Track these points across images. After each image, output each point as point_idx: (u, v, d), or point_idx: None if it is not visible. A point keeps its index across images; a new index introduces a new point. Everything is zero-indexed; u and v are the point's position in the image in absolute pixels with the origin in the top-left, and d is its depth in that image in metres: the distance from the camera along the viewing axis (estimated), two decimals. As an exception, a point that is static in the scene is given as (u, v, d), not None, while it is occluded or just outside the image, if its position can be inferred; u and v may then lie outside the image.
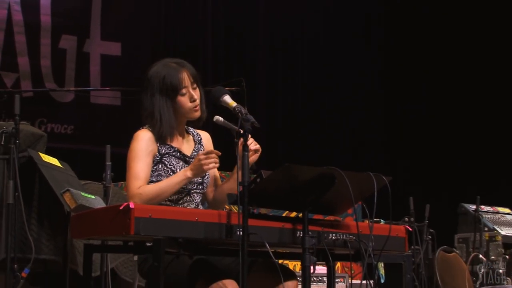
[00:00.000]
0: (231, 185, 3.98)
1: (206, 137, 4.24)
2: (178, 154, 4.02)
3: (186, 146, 4.10)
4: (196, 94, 4.03)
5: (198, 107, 4.03)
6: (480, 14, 9.70)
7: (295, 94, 9.64)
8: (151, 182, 3.94)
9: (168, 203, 3.94)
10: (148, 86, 4.02)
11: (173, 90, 3.99)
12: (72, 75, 8.11)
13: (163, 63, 4.08)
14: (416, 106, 9.86)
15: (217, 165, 3.86)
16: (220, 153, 3.86)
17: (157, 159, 3.97)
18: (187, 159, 4.02)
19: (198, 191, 4.04)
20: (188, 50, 8.62)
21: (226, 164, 4.35)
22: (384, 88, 10.04)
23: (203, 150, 4.14)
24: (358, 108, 9.92)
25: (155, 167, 3.97)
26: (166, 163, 3.97)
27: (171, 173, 3.94)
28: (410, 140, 9.81)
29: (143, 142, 3.95)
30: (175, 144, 4.04)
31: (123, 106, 8.09)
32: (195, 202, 4.03)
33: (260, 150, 3.96)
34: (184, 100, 4.01)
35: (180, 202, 3.98)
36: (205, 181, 4.07)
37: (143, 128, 4.02)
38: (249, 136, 3.82)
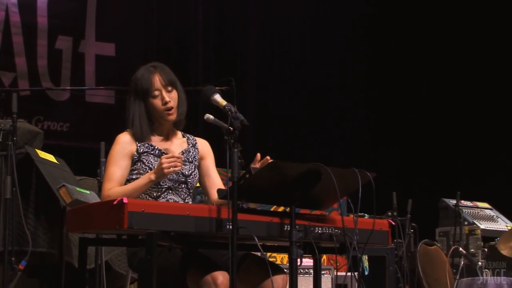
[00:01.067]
0: None
1: (202, 143, 4.22)
2: (157, 152, 4.00)
3: (173, 146, 4.08)
4: (170, 97, 4.01)
5: (172, 111, 4.01)
6: (475, 12, 9.65)
7: (284, 92, 9.61)
8: (130, 179, 3.95)
9: (149, 198, 3.94)
10: (130, 89, 4.05)
11: (144, 93, 3.99)
12: (67, 74, 8.09)
13: (144, 67, 4.09)
14: (399, 105, 9.85)
15: (178, 169, 3.82)
16: (182, 157, 3.89)
17: (135, 158, 3.97)
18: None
19: (180, 189, 4.01)
20: (179, 51, 8.61)
21: (217, 162, 4.34)
22: (368, 86, 10.00)
23: (196, 153, 4.13)
24: (344, 106, 9.90)
25: (134, 166, 3.97)
26: (145, 161, 3.96)
27: (149, 171, 3.93)
28: (394, 138, 9.81)
29: (120, 145, 3.98)
30: (156, 143, 4.02)
31: (117, 104, 8.06)
32: (181, 197, 4.01)
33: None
34: (156, 103, 4.00)
35: (159, 198, 3.96)
36: (189, 180, 4.04)
37: (125, 131, 4.03)
38: (268, 158, 3.80)
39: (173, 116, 4.02)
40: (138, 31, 8.50)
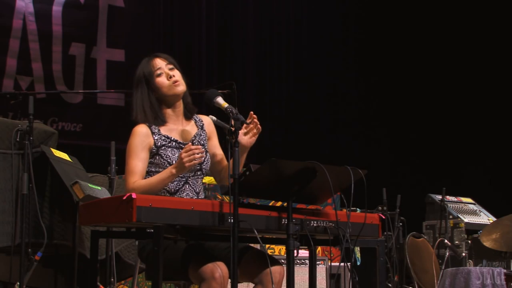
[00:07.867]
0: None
1: (207, 122, 4.11)
2: (174, 144, 3.93)
3: (187, 131, 4.00)
4: (173, 72, 3.95)
5: (178, 82, 3.94)
6: (460, 10, 9.60)
7: (281, 93, 9.58)
8: (150, 172, 3.89)
9: (167, 194, 3.91)
10: (133, 86, 3.98)
11: (149, 75, 3.94)
12: (80, 78, 8.08)
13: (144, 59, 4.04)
14: (391, 103, 9.81)
15: (199, 160, 3.76)
16: (200, 147, 3.74)
17: (153, 152, 3.90)
18: (183, 146, 3.90)
19: (196, 177, 3.98)
20: (184, 57, 8.61)
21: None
22: (359, 86, 9.95)
23: (205, 135, 4.06)
24: (337, 105, 9.87)
25: (152, 159, 3.90)
26: (163, 155, 3.89)
27: (167, 165, 3.86)
28: (385, 137, 9.80)
29: (139, 137, 3.88)
30: (172, 132, 3.95)
31: (126, 106, 8.05)
32: (196, 189, 3.97)
33: (260, 129, 3.88)
34: (161, 80, 3.94)
35: (178, 192, 3.93)
36: (204, 167, 3.99)
37: (140, 123, 3.95)
38: (256, 117, 3.79)
39: (181, 88, 3.95)
40: (145, 38, 8.51)
